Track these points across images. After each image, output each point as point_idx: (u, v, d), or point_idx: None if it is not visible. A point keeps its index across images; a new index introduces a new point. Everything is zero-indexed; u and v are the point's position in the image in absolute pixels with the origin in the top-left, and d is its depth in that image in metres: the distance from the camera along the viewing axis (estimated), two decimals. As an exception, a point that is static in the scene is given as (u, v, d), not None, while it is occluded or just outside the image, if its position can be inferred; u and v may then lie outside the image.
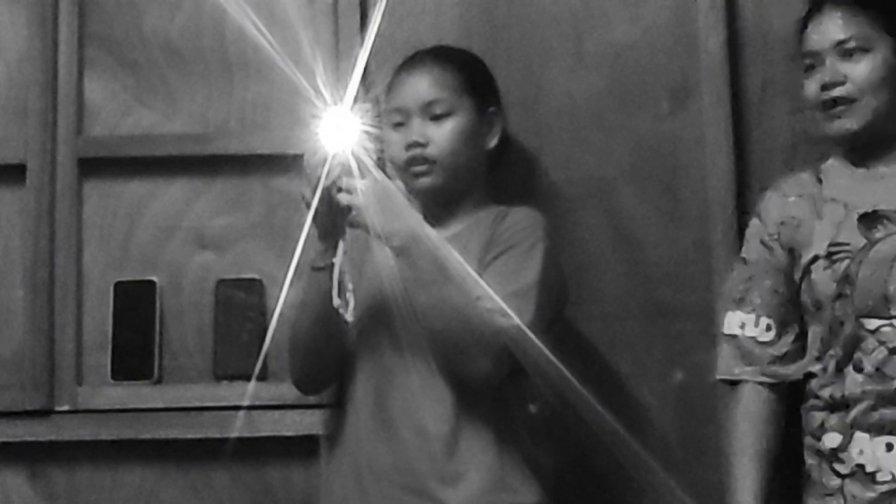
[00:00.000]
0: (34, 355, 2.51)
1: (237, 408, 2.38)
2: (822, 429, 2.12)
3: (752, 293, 2.22)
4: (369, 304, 2.16)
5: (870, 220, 2.13)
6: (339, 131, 2.07)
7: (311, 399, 2.33)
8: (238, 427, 2.38)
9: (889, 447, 2.06)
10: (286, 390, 2.35)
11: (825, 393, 2.13)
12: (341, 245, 2.12)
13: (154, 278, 2.54)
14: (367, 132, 2.09)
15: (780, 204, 2.23)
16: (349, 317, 2.11)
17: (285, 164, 2.38)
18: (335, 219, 2.10)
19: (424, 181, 2.23)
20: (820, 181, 2.22)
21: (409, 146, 2.22)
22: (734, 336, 2.23)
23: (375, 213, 2.06)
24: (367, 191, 2.06)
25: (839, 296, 2.11)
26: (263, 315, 2.49)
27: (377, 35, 2.33)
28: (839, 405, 2.10)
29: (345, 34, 2.54)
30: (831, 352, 2.12)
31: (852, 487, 2.08)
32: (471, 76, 2.28)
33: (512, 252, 2.17)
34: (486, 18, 2.57)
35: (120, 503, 2.50)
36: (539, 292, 2.13)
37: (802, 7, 2.29)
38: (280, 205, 2.54)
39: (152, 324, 2.52)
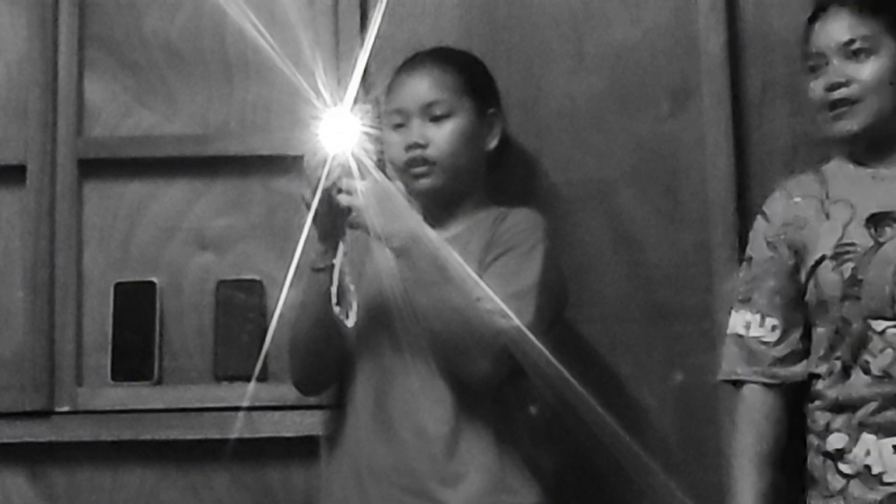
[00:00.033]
0: (34, 356, 2.51)
1: (237, 409, 2.38)
2: (828, 429, 2.12)
3: (757, 293, 2.22)
4: (369, 305, 2.16)
5: (877, 220, 2.12)
6: (339, 132, 2.07)
7: (312, 400, 2.33)
8: (238, 428, 2.38)
9: None
10: (286, 391, 2.35)
11: (831, 394, 2.12)
12: (341, 247, 2.12)
13: (154, 279, 2.54)
14: (367, 133, 2.09)
15: (786, 204, 2.23)
16: (350, 322, 2.11)
17: (285, 165, 2.38)
18: (335, 220, 2.10)
19: (424, 182, 2.23)
20: (825, 182, 2.22)
21: (409, 147, 2.23)
22: (739, 336, 2.23)
23: (375, 214, 2.06)
24: (367, 192, 2.06)
25: (846, 297, 2.10)
26: (263, 316, 2.49)
27: (377, 36, 2.33)
28: (845, 406, 2.10)
29: (345, 35, 2.54)
30: (837, 353, 2.12)
31: (857, 488, 2.07)
32: (471, 77, 2.29)
33: (512, 253, 2.17)
34: (487, 20, 2.57)
35: (120, 504, 2.51)
36: (539, 293, 2.13)
37: (806, 8, 2.30)
38: (280, 206, 2.54)
39: (152, 325, 2.52)
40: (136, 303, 2.53)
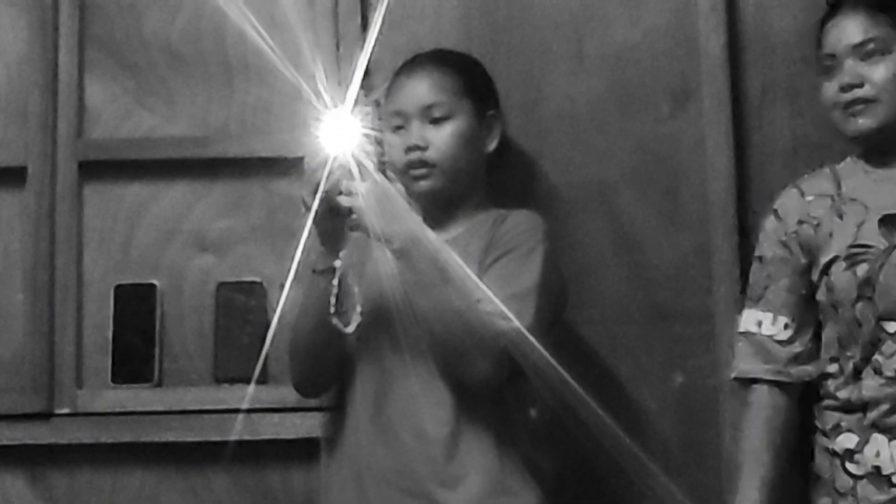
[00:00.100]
0: (34, 358, 2.51)
1: (237, 411, 2.37)
2: (838, 429, 2.12)
3: (769, 291, 2.21)
4: (369, 307, 2.16)
5: (891, 222, 2.12)
6: (339, 134, 2.07)
7: (312, 402, 2.33)
8: (238, 430, 2.38)
9: None
10: (286, 393, 2.35)
11: (842, 394, 2.12)
12: (342, 253, 2.12)
13: (154, 281, 2.54)
14: (367, 135, 2.09)
15: (799, 203, 2.22)
16: (352, 328, 2.11)
17: (286, 167, 2.38)
18: (335, 222, 2.10)
19: (424, 184, 2.23)
20: (838, 181, 2.22)
21: (409, 149, 2.23)
22: (751, 334, 2.23)
23: (376, 215, 2.06)
24: (367, 194, 2.06)
25: (859, 298, 2.10)
26: (264, 318, 2.49)
27: (377, 38, 2.32)
28: (856, 407, 2.10)
29: (345, 37, 2.54)
30: (848, 353, 2.12)
31: (866, 489, 2.07)
32: (470, 79, 2.29)
33: (512, 255, 2.17)
34: (486, 21, 2.57)
35: (120, 506, 2.51)
36: (539, 295, 2.13)
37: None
38: (280, 208, 2.54)
39: (153, 327, 2.52)
40: (136, 305, 2.53)
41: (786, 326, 2.20)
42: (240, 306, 2.51)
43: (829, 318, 2.16)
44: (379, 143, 2.17)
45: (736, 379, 2.24)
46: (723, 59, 2.49)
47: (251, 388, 2.34)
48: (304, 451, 2.43)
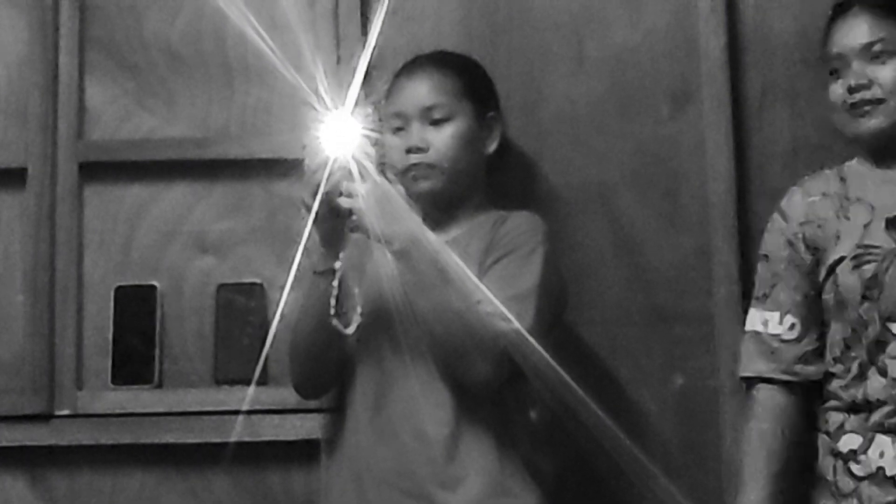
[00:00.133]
0: (34, 359, 2.51)
1: (237, 412, 2.37)
2: (841, 430, 2.12)
3: (775, 291, 2.21)
4: (370, 308, 2.16)
5: None
6: (339, 136, 2.07)
7: (312, 403, 2.33)
8: (238, 431, 2.38)
9: None
10: (287, 395, 2.35)
11: (846, 395, 2.12)
12: (342, 254, 2.12)
13: (155, 283, 2.54)
14: (367, 136, 2.09)
15: (805, 203, 2.22)
16: (352, 329, 2.11)
17: (286, 168, 2.37)
18: (336, 223, 2.10)
19: (424, 185, 2.23)
20: (845, 181, 2.21)
21: (409, 151, 2.23)
22: (757, 333, 2.22)
23: (376, 217, 2.06)
24: (367, 195, 2.06)
25: (865, 298, 2.10)
26: (264, 320, 2.49)
27: (378, 39, 2.32)
28: (860, 407, 2.10)
29: (345, 39, 2.54)
30: (853, 353, 2.12)
31: (870, 490, 2.07)
32: (470, 81, 2.29)
33: (512, 256, 2.17)
34: (487, 23, 2.57)
35: (120, 507, 2.51)
36: (539, 296, 2.13)
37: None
38: (281, 209, 2.54)
39: (153, 328, 2.52)
40: (136, 306, 2.53)
41: (792, 326, 2.19)
42: (240, 308, 2.51)
43: (834, 319, 2.16)
44: (379, 144, 2.17)
45: (742, 378, 2.24)
46: (723, 60, 2.49)
47: (251, 389, 2.34)
48: (304, 452, 2.43)
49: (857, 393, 2.10)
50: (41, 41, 2.59)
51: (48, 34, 2.59)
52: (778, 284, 2.21)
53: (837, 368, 2.14)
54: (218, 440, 2.42)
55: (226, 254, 2.57)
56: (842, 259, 2.13)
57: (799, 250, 2.20)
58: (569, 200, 2.51)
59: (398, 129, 2.25)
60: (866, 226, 2.13)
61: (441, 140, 2.23)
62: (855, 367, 2.11)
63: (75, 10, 2.60)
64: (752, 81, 2.52)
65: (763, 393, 2.19)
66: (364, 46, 2.34)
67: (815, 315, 2.19)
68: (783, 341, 2.19)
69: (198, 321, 2.54)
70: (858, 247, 2.12)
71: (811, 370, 2.18)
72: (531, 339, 2.07)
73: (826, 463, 2.14)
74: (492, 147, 2.31)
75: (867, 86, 2.14)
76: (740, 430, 2.25)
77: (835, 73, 2.18)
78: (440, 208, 2.27)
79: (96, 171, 2.58)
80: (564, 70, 2.56)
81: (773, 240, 2.23)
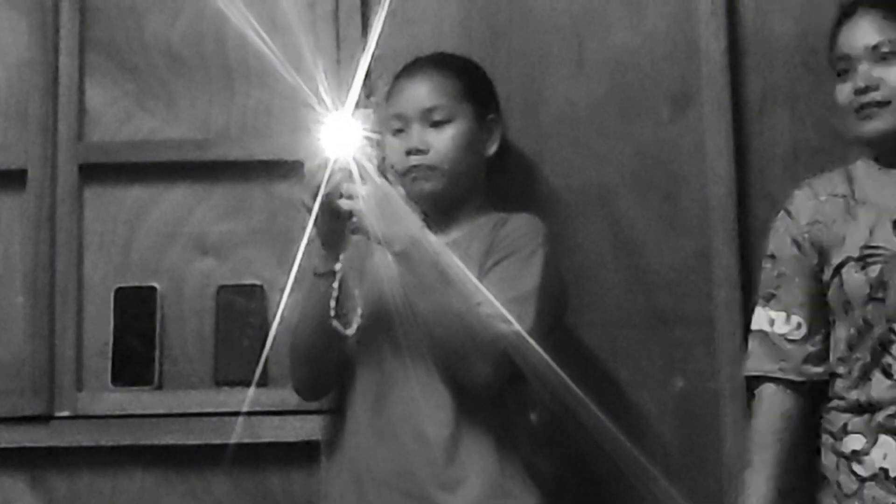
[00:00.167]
0: (34, 361, 2.51)
1: (237, 414, 2.37)
2: (845, 430, 2.12)
3: (781, 290, 2.21)
4: (370, 309, 2.16)
5: None
6: (340, 137, 2.07)
7: (312, 405, 2.33)
8: (238, 433, 2.38)
9: None
10: (287, 396, 2.35)
11: (850, 395, 2.12)
12: (343, 256, 2.12)
13: (155, 284, 2.54)
14: (367, 138, 2.09)
15: (811, 203, 2.22)
16: (352, 330, 2.11)
17: (286, 170, 2.38)
18: (336, 224, 2.10)
19: (424, 187, 2.24)
20: (852, 181, 2.21)
21: (409, 152, 2.23)
22: (763, 332, 2.22)
23: (376, 218, 2.06)
24: (367, 196, 2.06)
25: (870, 299, 2.10)
26: (264, 321, 2.49)
27: (378, 41, 2.33)
28: (864, 408, 2.10)
29: (346, 40, 2.54)
30: (858, 354, 2.12)
31: (873, 491, 2.07)
32: (470, 83, 2.29)
33: (512, 258, 2.17)
34: (487, 25, 2.57)
35: (120, 509, 2.51)
36: (539, 298, 2.13)
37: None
38: (281, 211, 2.54)
39: (153, 330, 2.52)
40: (136, 308, 2.53)
41: (799, 325, 2.19)
42: (240, 309, 2.52)
43: (839, 319, 2.16)
44: (380, 145, 2.17)
45: (747, 377, 2.24)
46: (723, 63, 2.49)
47: (251, 390, 2.34)
48: (304, 454, 2.43)
49: (861, 394, 2.10)
50: (41, 43, 2.59)
51: (48, 36, 2.59)
52: (784, 284, 2.21)
53: (841, 369, 2.14)
54: (218, 441, 2.42)
55: (226, 255, 2.57)
56: (847, 260, 2.13)
57: (805, 250, 2.20)
58: (569, 202, 2.51)
59: (398, 131, 2.25)
60: (872, 227, 2.13)
61: (441, 142, 2.23)
62: (859, 368, 2.11)
63: (76, 11, 2.60)
64: (753, 84, 2.53)
65: (768, 392, 2.19)
66: (364, 48, 2.33)
67: (821, 315, 2.19)
68: (790, 341, 2.19)
69: (198, 323, 2.54)
70: (864, 248, 2.12)
71: (817, 370, 2.17)
72: (531, 341, 2.07)
73: (829, 463, 2.14)
74: (492, 149, 2.31)
75: (874, 87, 2.14)
76: (741, 431, 2.25)
77: (842, 75, 2.18)
78: (440, 210, 2.27)
79: (96, 172, 2.58)
80: (565, 72, 2.56)
81: (780, 239, 2.23)
